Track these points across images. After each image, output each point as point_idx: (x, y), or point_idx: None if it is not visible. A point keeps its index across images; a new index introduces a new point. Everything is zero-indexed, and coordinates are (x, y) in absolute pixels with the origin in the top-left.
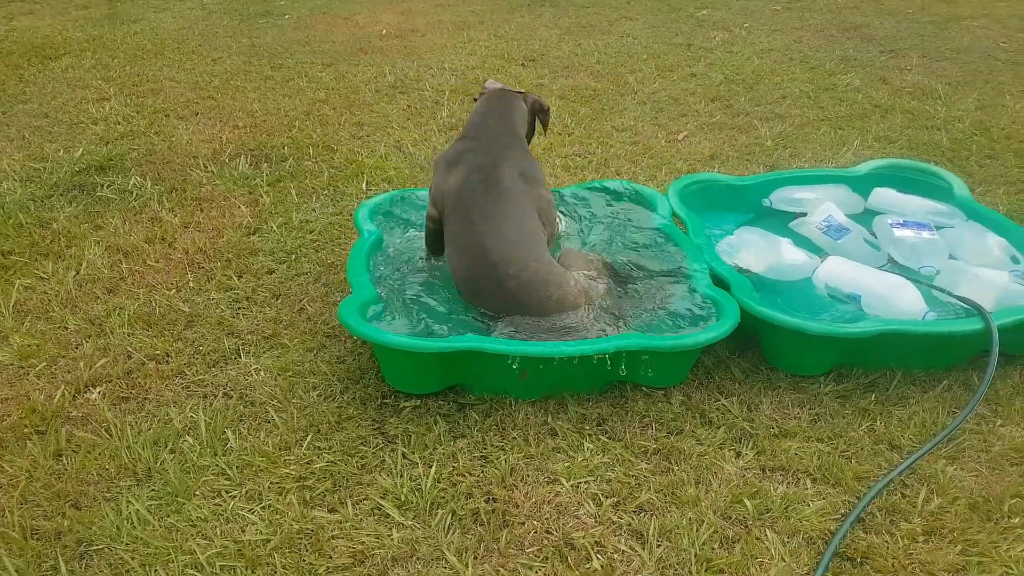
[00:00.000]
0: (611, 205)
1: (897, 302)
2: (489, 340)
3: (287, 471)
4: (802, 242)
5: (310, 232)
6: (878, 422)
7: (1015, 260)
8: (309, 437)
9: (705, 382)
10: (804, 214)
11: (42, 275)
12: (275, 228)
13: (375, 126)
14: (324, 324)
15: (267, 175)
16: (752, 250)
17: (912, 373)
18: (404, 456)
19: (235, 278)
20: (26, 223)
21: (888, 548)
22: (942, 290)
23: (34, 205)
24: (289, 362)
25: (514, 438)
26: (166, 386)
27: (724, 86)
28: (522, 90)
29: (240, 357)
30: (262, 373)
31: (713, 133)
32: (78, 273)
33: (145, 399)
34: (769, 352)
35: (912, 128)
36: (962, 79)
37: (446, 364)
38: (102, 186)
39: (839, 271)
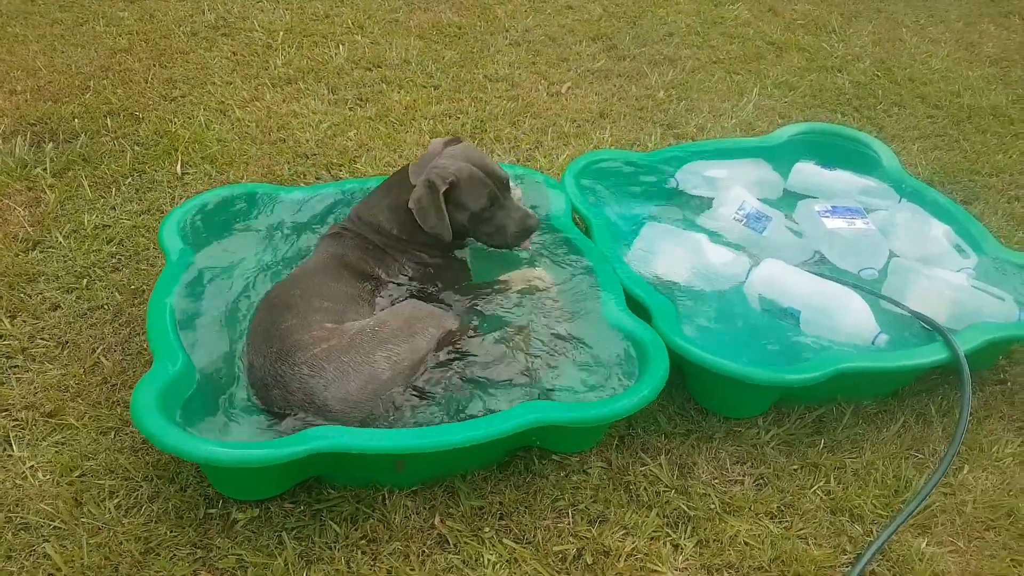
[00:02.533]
0: None
1: (843, 319)
2: (353, 434)
3: None
4: (718, 238)
5: (108, 242)
6: (832, 481)
7: (960, 250)
8: None
9: (627, 438)
10: (711, 199)
11: None
12: (61, 239)
13: (192, 82)
14: (125, 386)
15: (52, 160)
16: (669, 254)
17: (861, 405)
18: None
19: (6, 320)
20: None
21: None
22: (895, 303)
23: None
24: (77, 454)
25: (390, 556)
26: None
27: (605, 21)
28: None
29: (12, 448)
30: (40, 475)
31: (600, 83)
32: None
33: None
34: (699, 393)
35: (811, 71)
36: (854, 9)
37: (295, 463)
38: None
39: (774, 278)
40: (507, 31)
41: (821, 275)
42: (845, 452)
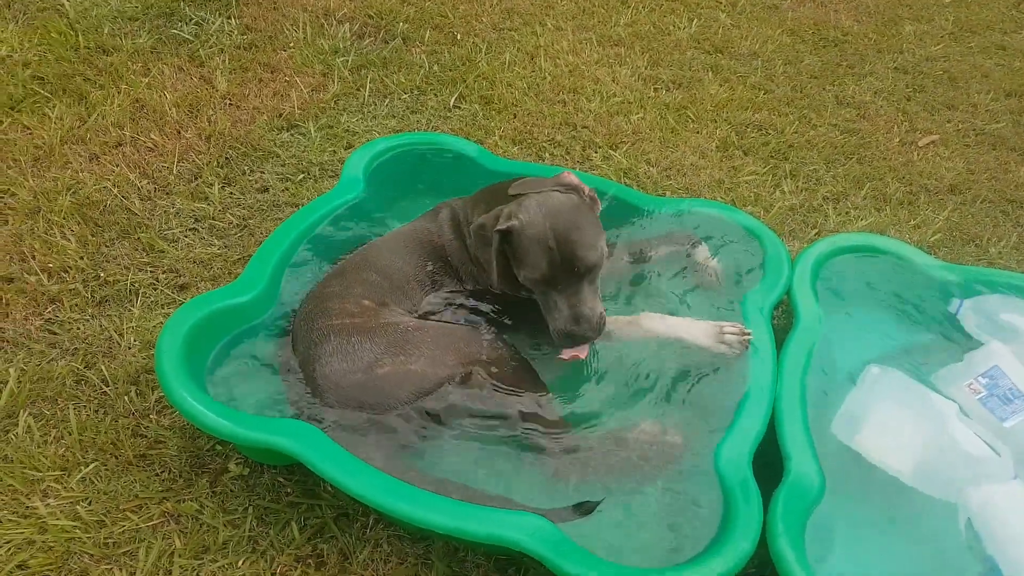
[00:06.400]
0: (679, 250)
1: None
2: (316, 448)
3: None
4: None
5: (347, 147)
6: None
7: None
8: (92, 466)
9: None
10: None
11: (48, 115)
12: (313, 131)
13: (528, 18)
14: None
15: (355, 55)
16: (893, 423)
17: None
18: None
19: (218, 187)
20: (84, 47)
21: None
22: None
23: (110, 26)
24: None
25: None
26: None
27: None
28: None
29: (133, 304)
30: (131, 339)
31: (978, 150)
32: (83, 124)
33: None
34: None
35: None
36: None
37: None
38: (188, 21)
39: (1001, 506)
40: (901, 53)
41: None
42: None
